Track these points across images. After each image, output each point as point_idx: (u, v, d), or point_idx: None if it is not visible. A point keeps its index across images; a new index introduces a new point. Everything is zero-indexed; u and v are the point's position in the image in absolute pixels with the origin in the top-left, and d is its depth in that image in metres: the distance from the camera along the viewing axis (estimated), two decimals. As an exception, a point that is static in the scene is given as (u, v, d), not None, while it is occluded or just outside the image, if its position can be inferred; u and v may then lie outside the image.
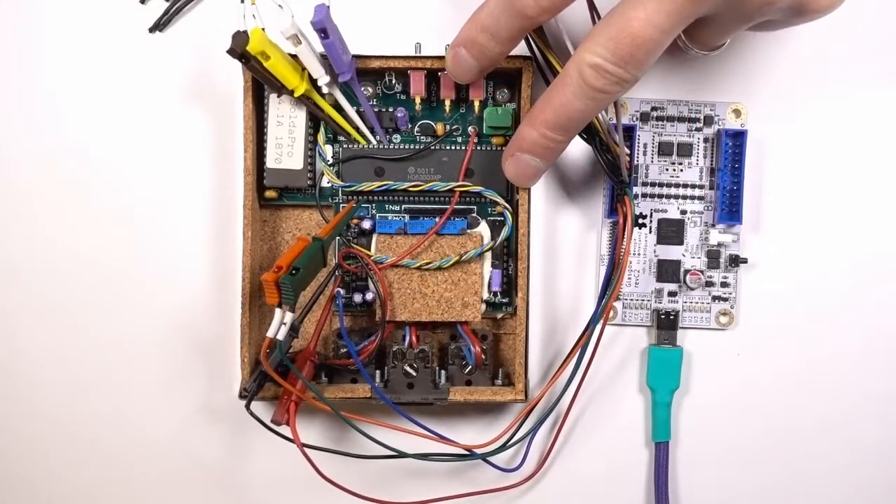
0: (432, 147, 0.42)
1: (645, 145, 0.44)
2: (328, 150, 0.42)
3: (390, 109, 0.42)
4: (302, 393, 0.39)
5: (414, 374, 0.42)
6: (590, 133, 0.39)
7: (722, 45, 0.37)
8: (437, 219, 0.42)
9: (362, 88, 0.42)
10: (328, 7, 0.37)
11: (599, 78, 0.32)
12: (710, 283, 0.44)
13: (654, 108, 0.44)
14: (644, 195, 0.44)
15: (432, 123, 0.43)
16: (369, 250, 0.42)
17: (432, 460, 0.41)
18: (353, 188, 0.42)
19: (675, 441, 0.44)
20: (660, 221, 0.44)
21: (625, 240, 0.39)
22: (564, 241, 0.44)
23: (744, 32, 0.43)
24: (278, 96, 0.41)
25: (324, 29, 0.37)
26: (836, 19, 0.43)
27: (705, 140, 0.44)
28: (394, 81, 0.42)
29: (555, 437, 0.44)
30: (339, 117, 0.41)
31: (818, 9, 0.34)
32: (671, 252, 0.44)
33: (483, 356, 0.42)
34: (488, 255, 0.42)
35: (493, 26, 0.34)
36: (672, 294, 0.44)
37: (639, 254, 0.44)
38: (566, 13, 0.40)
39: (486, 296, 0.42)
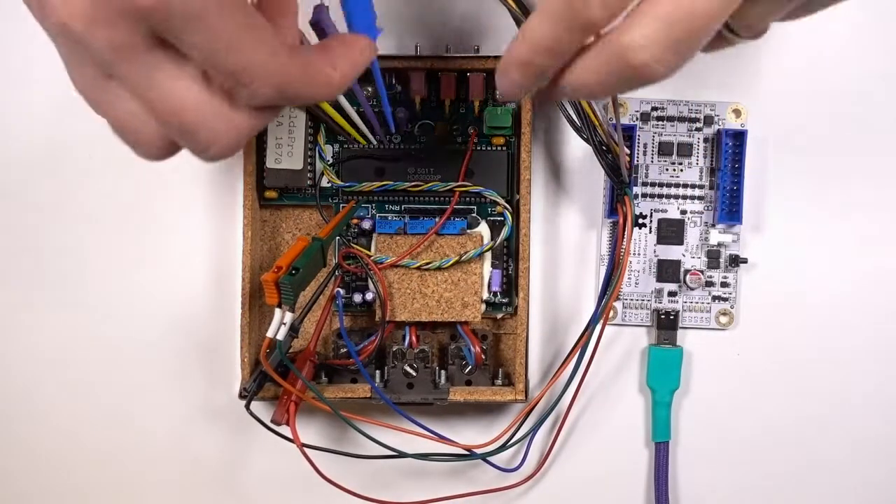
0: (432, 147, 0.42)
1: (645, 145, 0.44)
2: (328, 150, 0.42)
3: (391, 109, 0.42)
4: (302, 393, 0.39)
5: (414, 374, 0.42)
6: (590, 133, 0.39)
7: (764, 32, 0.34)
8: (437, 219, 0.42)
9: (362, 89, 0.42)
10: (327, 7, 0.37)
11: (644, 64, 0.28)
12: (710, 283, 0.44)
13: (654, 108, 0.44)
14: (644, 195, 0.44)
15: (432, 123, 0.43)
16: (369, 250, 0.42)
17: (432, 460, 0.41)
18: (353, 188, 0.42)
19: (675, 441, 0.44)
20: (660, 221, 0.44)
21: (625, 240, 0.39)
22: (564, 241, 0.44)
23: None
24: (278, 96, 0.41)
25: (322, 29, 0.37)
26: (837, 19, 0.43)
27: (705, 140, 0.44)
28: (394, 81, 0.42)
29: (555, 437, 0.44)
30: (340, 117, 0.41)
31: None
32: (671, 252, 0.44)
33: (483, 356, 0.42)
34: (488, 255, 0.42)
35: (553, 44, 0.28)
36: (672, 294, 0.44)
37: (639, 254, 0.44)
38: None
39: (485, 296, 0.42)
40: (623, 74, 0.28)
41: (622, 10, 0.28)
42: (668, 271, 0.44)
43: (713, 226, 0.44)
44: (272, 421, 0.39)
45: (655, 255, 0.44)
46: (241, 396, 0.41)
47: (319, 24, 0.37)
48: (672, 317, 0.43)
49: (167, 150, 0.30)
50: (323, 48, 0.31)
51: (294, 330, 0.39)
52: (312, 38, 0.38)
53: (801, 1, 0.31)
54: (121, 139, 0.30)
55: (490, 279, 0.42)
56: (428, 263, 0.41)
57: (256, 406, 0.40)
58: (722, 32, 0.33)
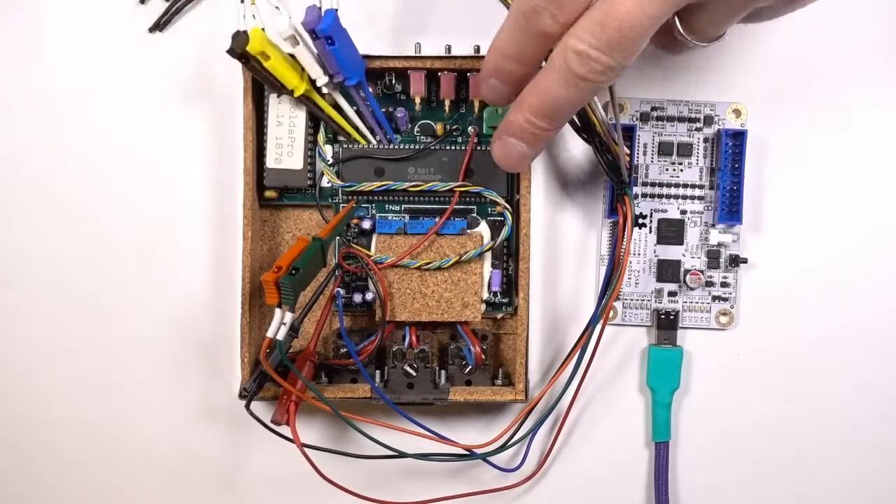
0: (432, 147, 0.42)
1: (645, 145, 0.44)
2: (328, 150, 0.42)
3: (390, 109, 0.42)
4: (302, 393, 0.39)
5: (414, 374, 0.42)
6: (590, 133, 0.39)
7: (721, 36, 0.36)
8: (437, 219, 0.42)
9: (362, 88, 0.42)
10: (319, 9, 0.37)
11: (583, 65, 0.31)
12: (710, 283, 0.44)
13: (654, 108, 0.44)
14: (644, 195, 0.44)
15: (432, 123, 0.43)
16: (369, 250, 0.42)
17: (432, 460, 0.41)
18: (353, 188, 0.42)
19: (675, 441, 0.44)
20: (660, 221, 0.44)
21: (625, 240, 0.39)
22: (564, 241, 0.44)
23: (742, 30, 0.43)
24: (278, 96, 0.41)
25: (330, 36, 0.37)
26: (836, 18, 0.43)
27: (705, 140, 0.44)
28: (394, 81, 0.42)
29: (555, 437, 0.44)
30: (339, 117, 0.41)
31: None
32: (671, 252, 0.44)
33: (483, 356, 0.42)
34: (488, 255, 0.42)
35: (516, 51, 0.33)
36: (672, 294, 0.44)
37: (639, 254, 0.44)
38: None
39: (485, 296, 0.42)
40: (567, 76, 0.31)
41: (569, 21, 0.31)
42: (668, 271, 0.44)
43: (713, 226, 0.44)
44: (272, 421, 0.39)
45: (655, 255, 0.44)
46: (241, 396, 0.41)
47: (327, 30, 0.36)
48: (672, 317, 0.43)
49: None
50: None
51: (294, 330, 0.39)
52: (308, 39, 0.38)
53: (743, 12, 0.33)
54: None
55: (490, 279, 0.42)
56: (428, 263, 0.41)
57: (256, 406, 0.40)
58: (676, 37, 0.36)
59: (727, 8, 0.33)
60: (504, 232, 0.42)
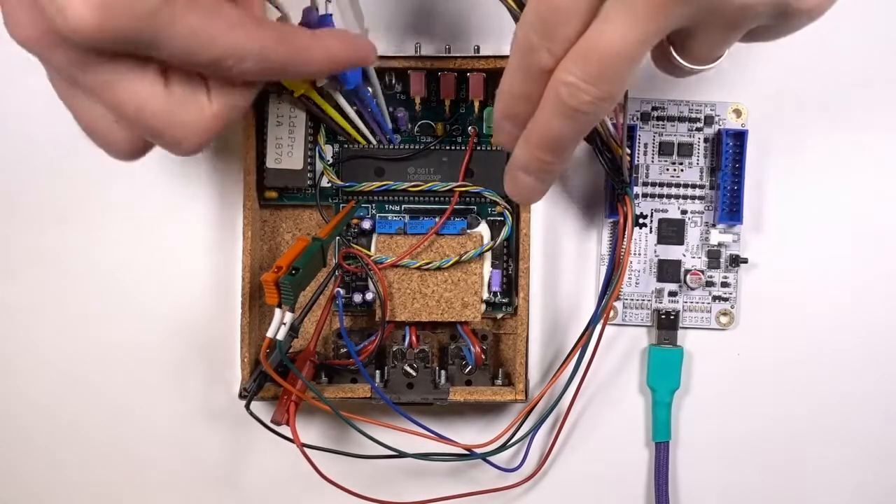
0: (432, 147, 0.42)
1: (645, 145, 0.44)
2: (328, 150, 0.42)
3: (390, 109, 0.42)
4: (302, 393, 0.39)
5: (414, 374, 0.42)
6: (590, 133, 0.39)
7: (719, 58, 0.35)
8: (437, 219, 0.42)
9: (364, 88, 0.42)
10: (316, 10, 0.37)
11: (573, 97, 0.30)
12: (710, 283, 0.44)
13: (654, 108, 0.43)
14: (644, 195, 0.44)
15: (432, 123, 0.43)
16: (369, 250, 0.42)
17: (432, 460, 0.41)
18: (353, 188, 0.42)
19: (675, 441, 0.44)
20: (660, 221, 0.44)
21: (625, 240, 0.39)
22: (564, 241, 0.44)
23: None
24: (278, 96, 0.41)
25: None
26: (837, 19, 0.43)
27: (706, 140, 0.44)
28: (394, 81, 0.42)
29: (555, 437, 0.44)
30: (340, 117, 0.41)
31: (805, 9, 0.32)
32: (671, 252, 0.44)
33: (483, 356, 0.42)
34: (488, 255, 0.42)
35: (522, 91, 0.31)
36: (672, 294, 0.44)
37: (639, 254, 0.44)
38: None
39: (485, 296, 0.42)
40: (561, 109, 0.30)
41: (564, 54, 0.30)
42: (668, 271, 0.44)
43: (713, 226, 0.44)
44: (272, 421, 0.39)
45: (656, 255, 0.44)
46: (241, 396, 0.41)
47: (309, 26, 0.36)
48: (672, 317, 0.43)
49: (137, 149, 0.31)
50: (312, 31, 0.32)
51: (294, 330, 0.39)
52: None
53: (736, 32, 0.32)
54: (92, 141, 0.31)
55: (490, 279, 0.42)
56: (428, 263, 0.41)
57: (256, 406, 0.40)
58: (674, 62, 0.34)
59: (718, 30, 0.32)
60: (504, 232, 0.42)
